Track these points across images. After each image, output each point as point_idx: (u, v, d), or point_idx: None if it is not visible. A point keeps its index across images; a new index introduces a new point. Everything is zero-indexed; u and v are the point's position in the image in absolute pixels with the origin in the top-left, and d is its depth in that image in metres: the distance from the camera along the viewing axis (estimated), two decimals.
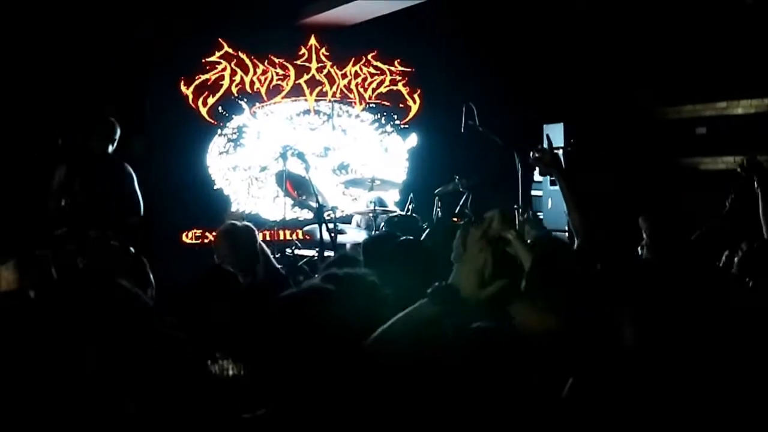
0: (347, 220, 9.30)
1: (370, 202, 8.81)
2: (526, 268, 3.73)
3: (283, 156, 8.21)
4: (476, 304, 2.22)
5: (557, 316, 3.04)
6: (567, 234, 7.45)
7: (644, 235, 5.32)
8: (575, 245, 4.33)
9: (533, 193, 10.10)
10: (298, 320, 2.35)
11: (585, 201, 4.39)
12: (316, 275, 4.56)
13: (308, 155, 8.52)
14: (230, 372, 3.50)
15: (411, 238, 5.14)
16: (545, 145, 4.68)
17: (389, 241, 5.04)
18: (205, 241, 9.92)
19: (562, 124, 9.73)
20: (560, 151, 9.03)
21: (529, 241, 4.45)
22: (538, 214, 9.97)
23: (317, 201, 7.33)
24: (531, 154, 4.77)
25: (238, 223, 5.09)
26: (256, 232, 5.04)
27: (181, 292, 3.89)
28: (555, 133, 9.75)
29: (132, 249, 7.09)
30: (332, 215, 8.06)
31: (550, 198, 9.73)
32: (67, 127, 8.31)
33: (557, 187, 9.34)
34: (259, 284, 4.67)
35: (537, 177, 10.00)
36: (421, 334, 2.21)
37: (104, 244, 6.87)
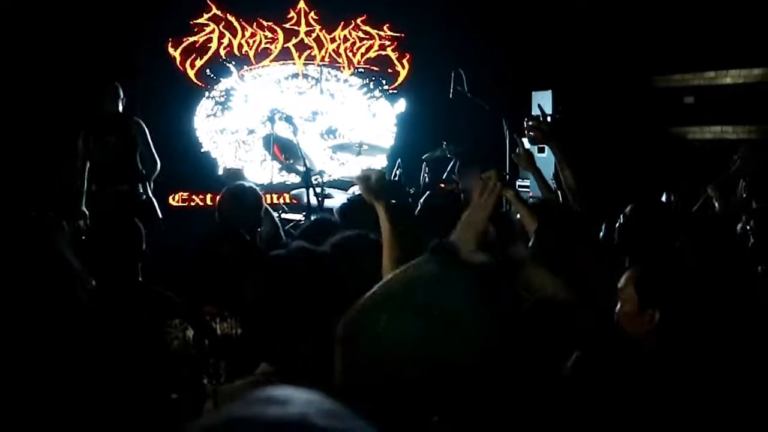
0: (339, 185, 9.26)
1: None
2: (529, 229, 3.73)
3: (271, 119, 8.18)
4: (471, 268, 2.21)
5: (570, 282, 3.05)
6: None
7: (715, 204, 5.41)
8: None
9: None
10: (286, 280, 2.36)
11: (581, 170, 4.42)
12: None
13: (296, 119, 8.50)
14: (238, 330, 3.51)
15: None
16: (539, 116, 4.69)
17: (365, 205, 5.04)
18: (192, 204, 9.92)
19: (550, 91, 9.72)
20: (548, 119, 9.09)
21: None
22: (525, 181, 10.00)
23: (304, 165, 7.32)
24: (525, 122, 4.77)
25: (246, 184, 5.02)
26: (262, 196, 4.99)
27: (198, 249, 3.88)
28: (544, 101, 9.73)
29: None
30: (319, 179, 8.05)
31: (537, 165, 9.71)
32: (76, 93, 8.47)
33: (544, 155, 9.41)
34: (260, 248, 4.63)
35: (525, 144, 9.98)
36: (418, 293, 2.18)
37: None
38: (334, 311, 2.34)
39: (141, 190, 7.83)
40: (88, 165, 7.61)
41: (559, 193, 6.73)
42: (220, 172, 10.14)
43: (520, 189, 10.07)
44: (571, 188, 4.42)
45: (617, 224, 4.27)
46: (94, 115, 7.76)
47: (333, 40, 10.79)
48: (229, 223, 4.47)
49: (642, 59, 10.06)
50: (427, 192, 5.72)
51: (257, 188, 5.01)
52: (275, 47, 10.50)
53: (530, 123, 4.72)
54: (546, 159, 9.30)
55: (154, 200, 7.90)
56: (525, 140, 9.62)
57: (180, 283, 3.90)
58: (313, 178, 7.49)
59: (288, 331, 2.34)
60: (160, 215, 7.90)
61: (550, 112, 9.17)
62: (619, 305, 2.84)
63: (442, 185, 9.04)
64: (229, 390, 2.42)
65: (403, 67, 11.09)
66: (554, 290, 3.15)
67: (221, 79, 10.25)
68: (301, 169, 7.46)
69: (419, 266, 2.19)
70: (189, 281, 3.85)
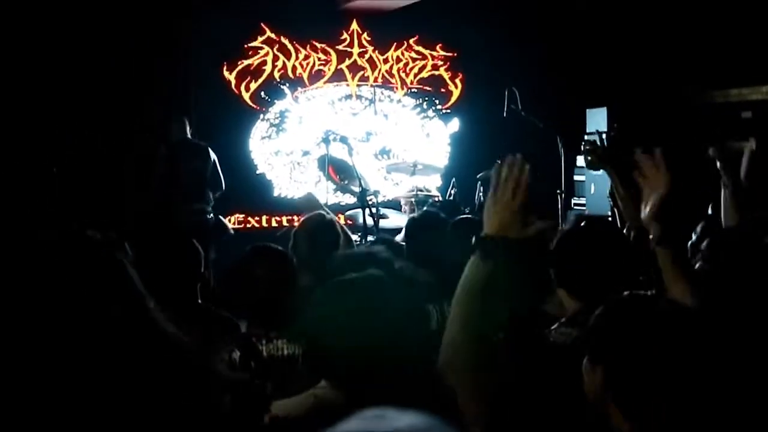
0: (393, 205, 9.25)
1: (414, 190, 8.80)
2: None
3: (326, 140, 8.21)
4: (521, 245, 2.18)
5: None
6: (609, 219, 7.38)
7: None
8: (632, 236, 4.25)
9: (576, 177, 10.03)
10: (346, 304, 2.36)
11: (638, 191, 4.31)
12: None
13: (350, 140, 8.52)
14: (284, 352, 3.51)
15: (469, 216, 5.10)
16: (595, 140, 4.63)
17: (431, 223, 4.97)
18: (248, 225, 9.99)
19: (605, 108, 9.65)
20: (603, 136, 9.01)
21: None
22: (581, 199, 9.93)
23: (360, 185, 7.32)
24: (582, 146, 4.71)
25: (326, 218, 4.76)
26: (340, 231, 4.74)
27: (232, 271, 3.88)
28: (598, 118, 9.68)
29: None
30: (375, 200, 8.05)
31: (593, 183, 9.66)
32: (133, 118, 9.13)
33: (600, 172, 9.29)
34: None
35: (580, 162, 9.92)
36: (488, 295, 2.16)
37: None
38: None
39: (209, 208, 8.62)
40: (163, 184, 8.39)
41: (615, 211, 6.67)
42: (276, 193, 10.22)
43: (575, 207, 10.02)
44: (630, 216, 4.33)
45: (689, 243, 4.17)
46: (180, 141, 8.59)
47: (386, 60, 10.83)
48: (302, 260, 4.35)
49: (698, 74, 9.95)
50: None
51: (335, 221, 4.78)
52: (329, 69, 10.56)
53: (587, 147, 4.66)
54: (601, 176, 9.23)
55: (221, 216, 8.86)
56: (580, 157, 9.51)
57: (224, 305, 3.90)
58: (368, 199, 7.50)
59: (345, 349, 2.33)
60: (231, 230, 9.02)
61: (605, 130, 9.12)
62: None
63: None
64: (285, 404, 2.42)
65: (456, 87, 11.09)
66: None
67: (276, 101, 10.33)
68: (356, 189, 7.46)
69: (475, 270, 2.18)
70: (230, 303, 3.85)
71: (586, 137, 9.14)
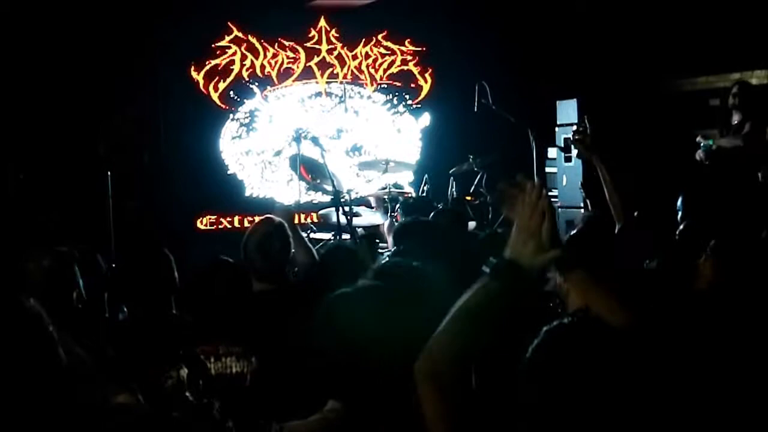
0: (363, 202, 9.22)
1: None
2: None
3: (296, 139, 8.16)
4: (534, 273, 2.08)
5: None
6: (582, 211, 7.40)
7: None
8: (617, 228, 4.27)
9: (548, 170, 10.04)
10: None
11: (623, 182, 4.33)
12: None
13: (321, 138, 8.48)
14: (233, 370, 3.43)
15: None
16: (584, 129, 4.64)
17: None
18: (220, 226, 9.93)
19: (575, 100, 9.67)
20: (574, 127, 9.03)
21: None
22: (554, 190, 9.95)
23: (332, 185, 7.28)
24: (572, 135, 4.74)
25: (274, 224, 4.65)
26: (290, 236, 4.67)
27: (190, 284, 3.80)
28: (569, 110, 9.69)
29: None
30: (347, 198, 8.02)
31: (564, 175, 9.68)
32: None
33: (572, 164, 9.36)
34: (289, 289, 4.47)
35: (551, 154, 9.95)
36: (491, 315, 2.07)
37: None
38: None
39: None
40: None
41: (588, 202, 6.69)
42: (248, 193, 10.16)
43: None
44: (615, 204, 4.35)
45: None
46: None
47: (355, 57, 10.79)
48: (252, 267, 4.31)
49: (666, 63, 9.98)
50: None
51: (285, 228, 4.71)
52: (297, 67, 10.51)
53: (576, 138, 4.67)
54: (573, 167, 9.28)
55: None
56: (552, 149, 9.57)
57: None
58: (341, 199, 7.46)
59: (352, 370, 2.25)
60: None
61: (577, 121, 9.15)
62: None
63: (468, 197, 9.01)
64: (296, 428, 2.38)
65: (426, 81, 11.07)
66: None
67: (245, 100, 10.27)
68: (329, 188, 7.43)
69: (485, 289, 2.09)
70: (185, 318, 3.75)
71: (570, 127, 9.20)
